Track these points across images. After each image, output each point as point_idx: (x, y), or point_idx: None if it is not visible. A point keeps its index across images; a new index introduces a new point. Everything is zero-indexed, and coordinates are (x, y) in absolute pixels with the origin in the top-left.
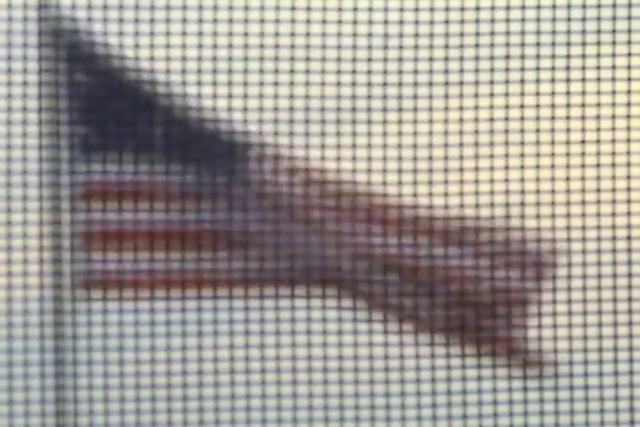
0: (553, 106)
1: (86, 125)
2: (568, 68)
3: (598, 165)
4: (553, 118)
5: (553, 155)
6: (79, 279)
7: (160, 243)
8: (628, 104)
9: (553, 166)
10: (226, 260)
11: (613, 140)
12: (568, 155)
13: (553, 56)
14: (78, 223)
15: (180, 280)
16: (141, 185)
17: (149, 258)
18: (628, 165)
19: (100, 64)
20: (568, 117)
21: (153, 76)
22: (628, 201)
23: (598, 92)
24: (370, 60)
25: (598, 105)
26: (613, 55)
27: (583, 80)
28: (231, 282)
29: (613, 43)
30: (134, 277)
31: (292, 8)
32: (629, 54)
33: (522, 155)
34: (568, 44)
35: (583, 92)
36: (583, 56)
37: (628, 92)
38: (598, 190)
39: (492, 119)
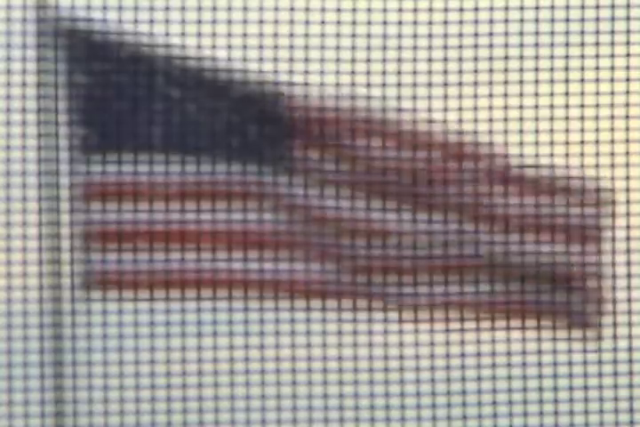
0: (552, 106)
1: (93, 126)
2: (567, 68)
3: (597, 166)
4: (552, 119)
5: (552, 155)
6: (79, 280)
7: (160, 243)
8: (627, 105)
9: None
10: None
11: (612, 141)
12: (567, 155)
13: (552, 57)
14: (79, 224)
15: (179, 280)
16: (144, 185)
17: (149, 258)
18: (627, 165)
19: (99, 63)
20: (567, 118)
21: (152, 74)
22: (627, 202)
23: (597, 93)
24: (369, 60)
25: (597, 106)
26: (612, 56)
27: (582, 81)
28: (231, 283)
29: (612, 44)
30: (134, 277)
31: (291, 9)
32: (628, 55)
33: (521, 155)
34: (567, 44)
35: (582, 93)
36: (582, 57)
37: (627, 92)
38: (598, 190)
39: (491, 120)
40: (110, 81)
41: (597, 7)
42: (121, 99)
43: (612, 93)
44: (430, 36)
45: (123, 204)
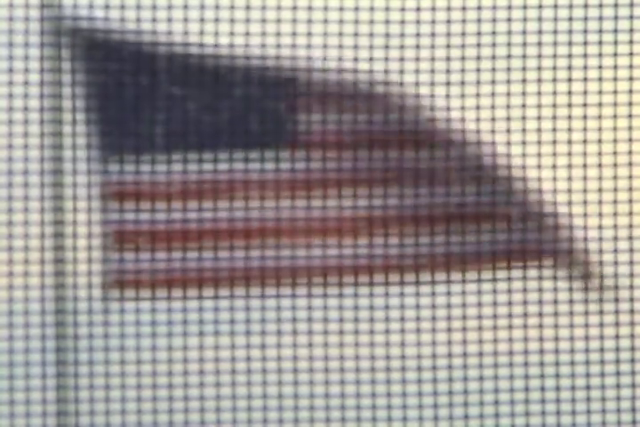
0: (554, 106)
1: (100, 124)
2: (570, 67)
3: (600, 165)
4: (554, 118)
5: (554, 155)
6: (83, 280)
7: (162, 242)
8: (630, 104)
9: (554, 166)
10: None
11: (615, 140)
12: (569, 154)
13: (554, 56)
14: (82, 224)
15: (182, 279)
16: (148, 185)
17: (151, 258)
18: (630, 164)
19: (102, 62)
20: (569, 117)
21: (154, 72)
22: (630, 201)
23: (600, 92)
24: (371, 59)
25: (600, 104)
26: (615, 55)
27: (585, 80)
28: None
29: (615, 42)
30: (136, 277)
31: (294, 7)
32: (631, 54)
33: (524, 154)
34: (570, 43)
35: (585, 92)
36: (585, 55)
37: (630, 91)
38: (600, 190)
39: (493, 119)
40: (114, 80)
41: (601, 6)
42: (124, 97)
43: (615, 92)
44: (433, 35)
45: (125, 203)
